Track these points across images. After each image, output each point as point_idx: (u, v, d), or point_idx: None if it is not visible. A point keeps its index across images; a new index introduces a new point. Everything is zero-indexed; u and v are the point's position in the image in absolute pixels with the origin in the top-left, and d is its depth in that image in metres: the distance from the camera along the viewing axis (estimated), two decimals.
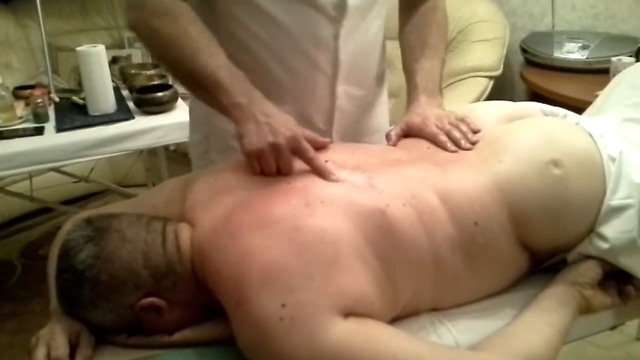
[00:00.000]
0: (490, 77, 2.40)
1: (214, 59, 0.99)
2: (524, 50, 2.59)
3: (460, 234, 0.90)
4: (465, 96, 2.28)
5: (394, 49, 2.16)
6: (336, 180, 0.91)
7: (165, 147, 2.35)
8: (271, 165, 0.93)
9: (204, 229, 0.90)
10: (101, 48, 1.92)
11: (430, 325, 0.91)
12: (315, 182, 0.91)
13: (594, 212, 0.95)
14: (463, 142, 1.01)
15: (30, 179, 2.27)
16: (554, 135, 0.99)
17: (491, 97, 2.48)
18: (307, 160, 0.94)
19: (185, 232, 0.92)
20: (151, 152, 2.53)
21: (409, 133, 1.10)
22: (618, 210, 0.94)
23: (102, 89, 1.94)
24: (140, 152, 2.35)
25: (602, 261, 0.95)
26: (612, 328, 1.02)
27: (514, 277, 0.98)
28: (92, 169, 2.47)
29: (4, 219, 2.61)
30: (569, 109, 1.42)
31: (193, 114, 1.32)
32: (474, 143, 1.01)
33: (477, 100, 2.31)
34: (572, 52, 2.43)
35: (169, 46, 1.01)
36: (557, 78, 2.40)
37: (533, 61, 2.55)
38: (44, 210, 2.71)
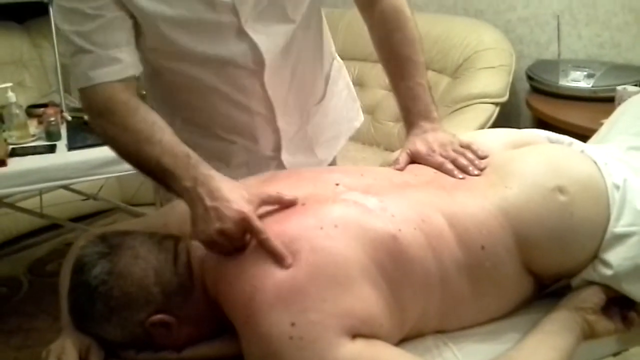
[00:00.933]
0: (497, 104, 2.43)
1: (156, 147, 0.96)
2: (530, 78, 2.62)
3: (467, 257, 0.92)
4: (471, 122, 2.30)
5: (363, 69, 2.20)
6: (288, 267, 0.84)
7: None
8: (225, 248, 0.89)
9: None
10: None
11: (436, 348, 0.93)
12: (330, 204, 0.93)
13: (598, 239, 0.96)
14: (471, 169, 1.03)
15: (40, 195, 2.30)
16: (559, 162, 1.02)
17: (497, 123, 2.50)
18: (261, 242, 0.86)
19: (196, 250, 0.93)
20: None
21: (414, 160, 1.11)
22: (622, 237, 0.95)
23: None
24: None
25: (606, 287, 0.96)
26: (616, 354, 1.03)
27: (518, 301, 0.99)
28: (101, 187, 2.50)
29: (12, 235, 2.64)
30: (574, 137, 1.43)
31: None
32: (482, 169, 1.03)
33: (483, 126, 2.33)
34: (577, 81, 2.45)
35: (116, 146, 1.03)
36: (563, 106, 2.42)
37: (539, 89, 2.58)
38: (51, 227, 2.73)
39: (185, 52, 1.06)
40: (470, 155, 1.05)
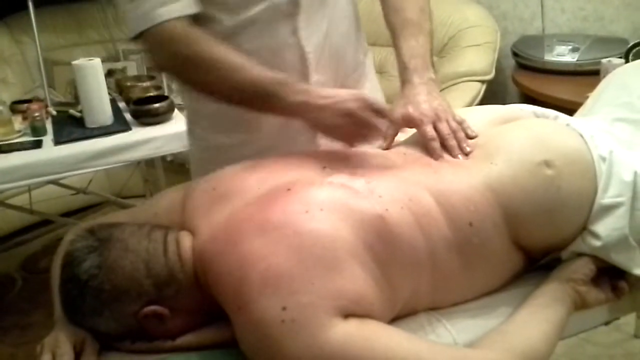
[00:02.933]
0: (483, 82, 2.43)
1: (251, 72, 1.03)
2: (515, 54, 2.62)
3: (455, 234, 0.92)
4: (457, 101, 2.30)
5: (385, 55, 2.19)
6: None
7: (163, 158, 2.37)
8: (356, 133, 1.02)
9: (204, 237, 0.91)
10: (97, 61, 1.94)
11: (429, 325, 0.93)
12: (316, 187, 0.93)
13: (586, 211, 0.97)
14: (456, 152, 1.03)
15: (29, 192, 2.28)
16: (545, 136, 1.02)
17: (484, 101, 2.50)
18: (381, 113, 1.00)
19: (186, 240, 0.93)
20: (148, 163, 2.54)
21: (405, 125, 1.11)
22: (609, 208, 0.96)
23: (99, 102, 1.96)
24: (137, 163, 2.36)
25: (595, 258, 0.97)
26: (607, 323, 1.04)
27: (509, 276, 1.00)
28: (91, 180, 2.49)
29: (3, 233, 2.62)
30: (560, 111, 1.44)
31: (191, 128, 1.34)
32: (467, 154, 1.03)
33: (470, 104, 2.34)
34: (562, 55, 2.46)
35: (201, 70, 1.05)
36: (549, 81, 2.43)
37: (524, 64, 2.58)
38: (43, 223, 2.72)
39: None
40: (460, 134, 1.05)
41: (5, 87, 3.17)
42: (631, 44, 2.29)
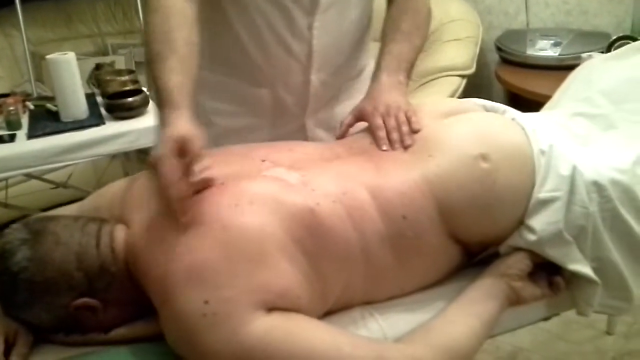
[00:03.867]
0: (463, 76, 2.42)
1: (166, 70, 0.98)
2: (498, 49, 2.61)
3: (389, 228, 0.92)
4: (437, 95, 2.30)
5: None
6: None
7: (143, 151, 2.38)
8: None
9: (137, 230, 0.92)
10: (71, 55, 1.94)
11: (361, 319, 0.93)
12: (248, 181, 0.93)
13: (523, 205, 0.96)
14: (397, 146, 1.03)
15: (6, 188, 2.30)
16: (484, 130, 1.01)
17: (466, 95, 2.49)
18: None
19: (120, 233, 0.94)
20: (131, 157, 2.55)
21: (361, 119, 1.12)
22: (546, 202, 0.95)
23: (73, 96, 1.97)
24: (112, 156, 2.37)
25: (532, 253, 0.96)
26: (546, 319, 1.04)
27: (446, 270, 1.00)
28: (71, 175, 2.50)
29: None
30: (541, 106, 1.43)
31: None
32: (407, 147, 1.02)
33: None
34: (544, 50, 2.44)
35: (149, 42, 1.03)
36: (530, 75, 2.42)
37: (507, 59, 2.57)
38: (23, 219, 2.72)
39: None
40: (404, 128, 1.04)
41: None
42: (613, 38, 2.27)
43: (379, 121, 1.07)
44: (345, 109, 1.28)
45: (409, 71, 1.19)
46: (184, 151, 0.86)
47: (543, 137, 1.01)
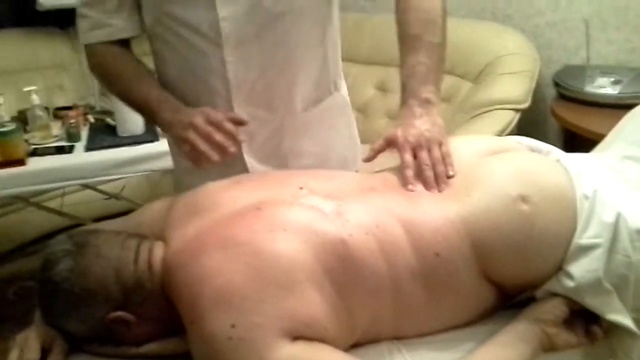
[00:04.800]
0: (517, 110, 2.37)
1: (144, 87, 1.21)
2: (556, 84, 2.55)
3: (421, 264, 0.91)
4: (489, 128, 2.26)
5: (388, 74, 2.07)
6: (242, 141, 1.11)
7: None
8: (195, 144, 1.09)
9: (174, 249, 0.94)
10: None
11: (389, 354, 0.92)
12: (284, 208, 0.94)
13: (563, 250, 0.94)
14: (431, 186, 1.00)
15: (62, 196, 2.40)
16: (526, 170, 1.00)
17: (521, 131, 2.45)
18: (217, 124, 1.10)
19: (158, 250, 0.96)
20: None
21: (391, 146, 1.08)
22: (586, 249, 0.93)
23: (131, 112, 2.02)
24: (165, 172, 2.43)
25: (569, 300, 0.94)
26: None
27: (478, 311, 0.98)
28: (124, 187, 2.58)
29: (36, 235, 2.73)
30: (597, 145, 1.39)
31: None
32: (441, 190, 1.00)
33: (502, 132, 2.29)
34: (603, 87, 2.37)
35: (113, 82, 1.27)
36: (588, 113, 2.35)
37: (565, 95, 2.51)
38: (77, 227, 2.82)
39: (163, 14, 1.18)
40: (440, 168, 1.02)
41: (61, 93, 3.34)
42: None
43: (408, 157, 1.03)
44: (300, 146, 1.30)
45: (436, 79, 1.12)
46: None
47: (587, 181, 0.98)
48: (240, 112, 1.20)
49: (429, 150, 1.04)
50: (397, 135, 1.07)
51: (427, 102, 1.10)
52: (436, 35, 1.14)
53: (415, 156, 1.04)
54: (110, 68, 1.25)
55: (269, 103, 1.24)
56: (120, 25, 1.22)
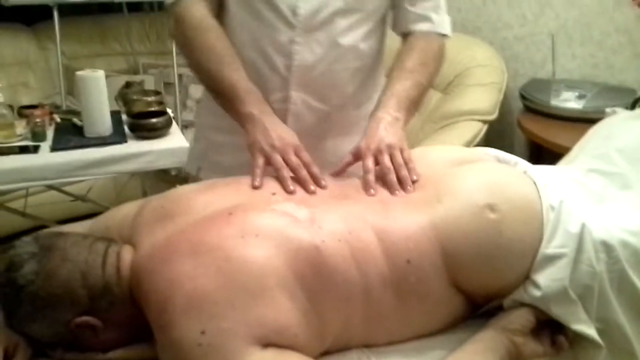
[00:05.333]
0: (485, 121, 2.41)
1: (234, 73, 1.17)
2: (522, 97, 2.60)
3: (392, 271, 0.92)
4: (457, 139, 2.29)
5: None
6: (324, 187, 1.04)
7: (166, 171, 2.42)
8: (279, 161, 1.07)
9: (143, 253, 0.93)
10: (100, 73, 1.99)
11: None
12: (256, 213, 0.94)
13: (529, 259, 0.96)
14: (395, 189, 1.03)
15: (26, 197, 2.34)
16: (495, 180, 1.01)
17: (488, 142, 2.49)
18: (306, 164, 1.07)
19: (127, 254, 0.95)
20: (152, 176, 2.59)
21: (357, 159, 1.12)
22: (552, 258, 0.95)
23: (99, 113, 2.01)
24: (132, 174, 2.40)
25: (536, 309, 0.95)
26: None
27: (448, 319, 0.99)
28: (90, 188, 2.53)
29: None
30: (562, 157, 1.42)
31: (192, 146, 1.50)
32: (407, 192, 1.03)
33: (470, 143, 2.32)
34: (568, 101, 2.43)
35: (199, 57, 1.20)
36: (553, 126, 2.40)
37: (531, 108, 2.56)
38: (40, 229, 2.75)
39: None
40: (404, 172, 1.05)
41: (26, 91, 3.27)
42: (639, 94, 2.26)
43: (368, 163, 1.07)
44: (341, 144, 1.30)
45: (410, 108, 1.19)
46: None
47: (554, 192, 1.01)
48: (294, 95, 1.26)
49: (391, 156, 1.07)
50: (361, 146, 1.11)
51: (395, 120, 1.15)
52: (426, 76, 1.23)
53: (377, 163, 1.07)
54: (200, 39, 1.20)
55: (323, 92, 1.28)
56: None
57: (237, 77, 1.16)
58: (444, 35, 1.29)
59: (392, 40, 1.35)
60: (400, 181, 1.04)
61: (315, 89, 1.27)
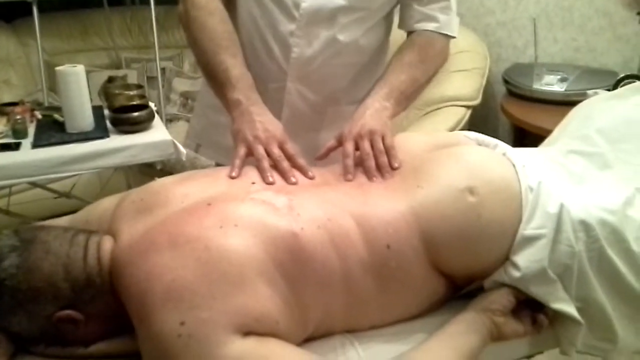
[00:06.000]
0: (468, 107, 2.42)
1: (230, 58, 1.16)
2: (505, 82, 2.61)
3: (372, 256, 0.92)
4: (441, 124, 2.30)
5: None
6: (312, 177, 1.04)
7: (151, 165, 2.41)
8: (261, 152, 1.06)
9: (123, 244, 0.92)
10: (80, 68, 1.97)
11: (341, 347, 0.93)
12: (235, 203, 0.94)
13: (509, 241, 0.96)
14: (372, 175, 1.04)
15: (9, 195, 2.32)
16: (473, 163, 1.02)
17: (473, 126, 2.50)
18: (289, 157, 1.06)
19: (107, 244, 0.94)
20: (137, 170, 2.58)
21: (338, 142, 1.13)
22: (531, 239, 0.95)
23: (80, 108, 1.99)
24: (116, 168, 2.39)
25: (516, 289, 0.96)
26: (528, 357, 1.03)
27: (429, 302, 0.99)
28: (74, 185, 2.52)
29: None
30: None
31: (192, 123, 1.52)
32: (384, 177, 1.04)
33: (454, 128, 2.33)
34: (551, 84, 2.44)
35: (198, 36, 1.20)
36: (536, 109, 2.42)
37: (514, 92, 2.58)
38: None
39: None
40: (383, 158, 1.05)
41: (8, 88, 3.24)
42: (620, 76, 2.27)
43: (348, 148, 1.08)
44: (326, 135, 1.30)
45: (401, 101, 1.19)
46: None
47: (532, 174, 1.01)
48: (290, 86, 1.27)
49: (372, 142, 1.07)
50: (344, 130, 1.12)
51: (383, 108, 1.16)
52: (423, 72, 1.25)
53: (357, 148, 1.07)
54: (202, 19, 1.20)
55: (319, 85, 1.28)
56: None
57: (231, 62, 1.16)
58: (449, 36, 1.29)
59: (398, 34, 1.35)
60: (379, 167, 1.04)
61: (312, 82, 1.27)
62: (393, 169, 1.05)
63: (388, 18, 1.32)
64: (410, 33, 1.29)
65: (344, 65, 1.29)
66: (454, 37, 1.30)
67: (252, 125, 1.10)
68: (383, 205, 0.96)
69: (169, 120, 3.25)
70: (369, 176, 1.03)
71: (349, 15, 1.23)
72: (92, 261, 0.92)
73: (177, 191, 0.98)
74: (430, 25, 1.26)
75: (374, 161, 1.05)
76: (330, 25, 1.22)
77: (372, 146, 1.07)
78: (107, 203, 1.07)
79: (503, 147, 1.12)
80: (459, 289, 1.02)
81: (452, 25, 1.29)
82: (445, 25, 1.27)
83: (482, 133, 1.23)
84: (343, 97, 1.32)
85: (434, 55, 1.27)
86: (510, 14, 2.75)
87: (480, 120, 2.74)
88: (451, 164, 1.01)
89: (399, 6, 1.31)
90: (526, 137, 2.53)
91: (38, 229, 0.96)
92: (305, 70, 1.25)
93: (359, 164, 1.06)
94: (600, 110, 1.41)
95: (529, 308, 0.97)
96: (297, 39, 1.22)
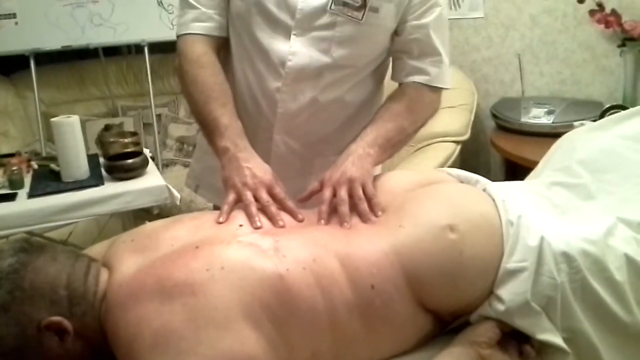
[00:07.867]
0: (457, 142, 2.46)
1: (219, 108, 1.22)
2: (494, 116, 2.66)
3: (357, 296, 0.94)
4: (431, 160, 2.33)
5: None
6: (301, 220, 1.07)
7: (148, 210, 2.43)
8: (249, 198, 1.09)
9: (115, 281, 0.94)
10: (74, 118, 2.01)
11: None
12: (222, 246, 0.95)
13: (492, 275, 0.98)
14: (345, 220, 1.06)
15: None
16: (453, 201, 1.04)
17: (464, 161, 2.53)
18: (279, 201, 1.10)
19: (104, 275, 0.96)
20: (133, 215, 2.60)
21: (319, 186, 1.16)
22: (514, 272, 0.97)
23: (75, 157, 2.03)
24: (111, 215, 2.41)
25: (502, 322, 0.97)
26: None
27: (416, 339, 1.00)
28: (71, 232, 2.54)
29: None
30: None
31: (192, 165, 1.59)
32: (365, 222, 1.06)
33: (444, 164, 2.36)
34: (538, 117, 2.49)
35: (190, 88, 1.26)
36: (525, 142, 2.46)
37: (503, 126, 2.62)
38: None
39: (245, 32, 1.27)
40: (363, 206, 1.07)
41: (6, 140, 3.28)
42: (606, 107, 2.32)
43: (326, 194, 1.11)
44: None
45: (387, 148, 1.21)
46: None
47: (512, 208, 1.03)
48: (277, 138, 1.30)
49: (351, 190, 1.10)
50: (325, 176, 1.15)
51: (366, 155, 1.18)
52: (410, 122, 1.27)
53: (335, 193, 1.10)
54: (194, 73, 1.25)
55: (305, 138, 1.31)
56: (222, 22, 1.30)
57: (221, 111, 1.21)
58: (440, 88, 1.31)
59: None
60: (360, 214, 1.06)
61: (299, 135, 1.30)
62: (376, 216, 1.06)
63: (377, 71, 1.34)
64: (401, 83, 1.31)
65: (330, 120, 1.31)
66: (446, 89, 1.32)
67: (241, 172, 1.14)
68: (367, 245, 0.98)
69: (165, 165, 3.29)
70: (340, 222, 1.05)
71: (334, 73, 1.25)
72: (92, 279, 0.94)
73: (167, 235, 1.00)
74: (421, 78, 1.27)
75: (348, 208, 1.07)
76: (315, 82, 1.25)
77: (352, 194, 1.09)
78: (99, 248, 1.09)
79: (484, 182, 1.15)
80: (445, 325, 1.03)
81: (443, 77, 1.30)
82: (436, 78, 1.28)
83: (474, 167, 1.25)
84: (329, 148, 1.34)
85: (422, 107, 1.29)
86: (495, 50, 2.81)
87: (472, 154, 2.78)
88: (431, 203, 1.03)
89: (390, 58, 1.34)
90: (517, 169, 2.56)
91: (46, 242, 0.98)
92: (291, 124, 1.28)
93: (333, 210, 1.08)
94: (582, 141, 1.43)
95: (515, 339, 0.98)
96: (283, 94, 1.25)
